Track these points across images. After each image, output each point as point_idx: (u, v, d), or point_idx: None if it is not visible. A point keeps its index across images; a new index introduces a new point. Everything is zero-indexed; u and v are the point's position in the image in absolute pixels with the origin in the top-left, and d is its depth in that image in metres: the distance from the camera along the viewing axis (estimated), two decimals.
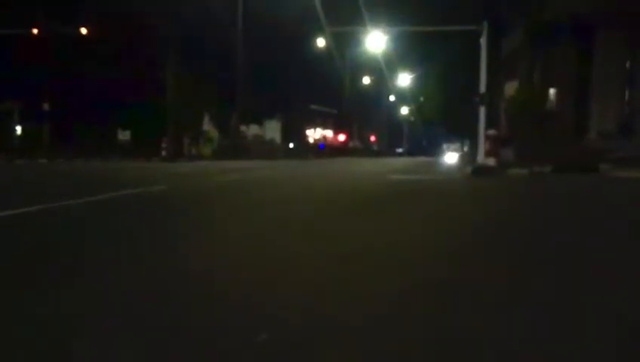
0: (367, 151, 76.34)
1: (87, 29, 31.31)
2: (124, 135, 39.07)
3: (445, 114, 34.87)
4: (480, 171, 19.69)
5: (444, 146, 39.85)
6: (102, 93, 35.78)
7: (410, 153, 78.32)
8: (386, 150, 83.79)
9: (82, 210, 7.46)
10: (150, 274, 3.57)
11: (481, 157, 22.30)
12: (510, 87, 29.81)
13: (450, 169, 25.15)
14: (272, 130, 57.24)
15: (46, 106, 33.71)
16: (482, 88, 22.67)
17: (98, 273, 3.62)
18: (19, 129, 38.18)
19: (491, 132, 23.79)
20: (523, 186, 13.71)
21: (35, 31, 31.61)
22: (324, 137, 73.86)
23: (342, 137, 78.04)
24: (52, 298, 2.99)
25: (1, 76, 33.35)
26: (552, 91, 27.06)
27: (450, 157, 35.46)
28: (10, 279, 3.48)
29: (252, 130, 52.62)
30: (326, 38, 28.60)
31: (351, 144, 77.40)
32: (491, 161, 21.60)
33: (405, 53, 37.44)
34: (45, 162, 27.52)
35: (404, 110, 75.55)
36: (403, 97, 64.30)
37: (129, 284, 3.30)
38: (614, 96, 25.37)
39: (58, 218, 6.59)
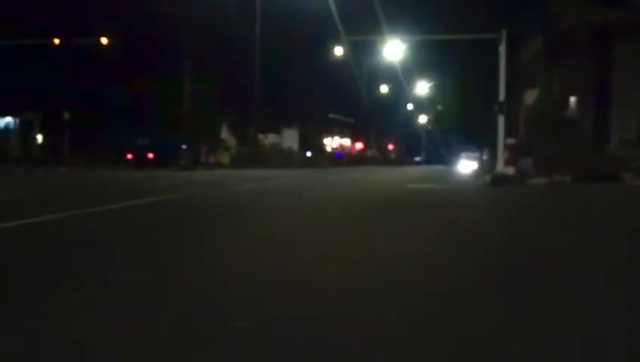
0: (384, 159, 76.16)
1: (106, 39, 31.61)
2: (143, 143, 39.30)
3: (464, 122, 34.67)
4: (499, 180, 19.50)
5: (463, 155, 39.48)
6: (120, 103, 36.10)
7: (427, 162, 77.95)
8: (403, 158, 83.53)
9: (107, 216, 7.68)
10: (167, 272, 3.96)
11: (500, 166, 22.11)
12: (529, 95, 29.57)
13: (466, 178, 24.93)
14: (290, 138, 57.33)
15: (66, 116, 34.05)
16: (501, 96, 22.49)
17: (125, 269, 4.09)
18: (39, 138, 38.63)
19: (511, 141, 23.58)
20: (543, 196, 13.50)
21: (56, 41, 31.95)
22: (342, 146, 73.80)
23: (359, 146, 77.95)
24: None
25: (22, 87, 33.83)
26: (572, 99, 26.77)
27: (465, 166, 34.81)
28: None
29: (270, 138, 52.75)
30: (344, 47, 28.55)
31: (369, 153, 77.28)
32: (510, 170, 21.40)
33: (423, 61, 37.33)
34: (66, 171, 27.75)
35: (422, 118, 75.25)
36: (421, 106, 64.05)
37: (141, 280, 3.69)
38: (635, 104, 25.01)
39: (88, 223, 6.86)
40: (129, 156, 36.95)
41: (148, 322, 2.77)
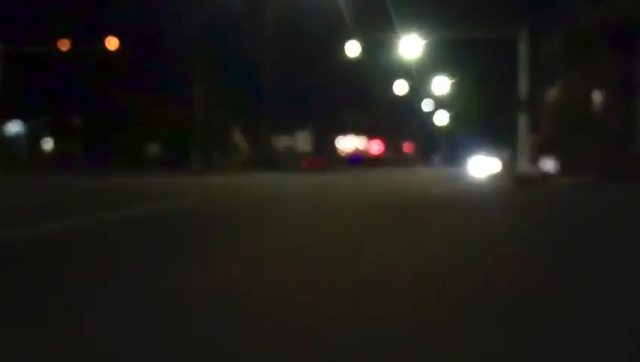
0: (401, 161, 75.38)
1: (114, 45, 31.19)
2: (153, 148, 38.95)
3: (483, 122, 33.95)
4: (523, 181, 18.70)
5: (481, 155, 38.29)
6: (131, 108, 35.76)
7: (447, 162, 76.94)
8: (421, 160, 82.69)
9: (131, 221, 7.43)
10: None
11: (523, 166, 21.29)
12: (551, 93, 28.74)
13: (487, 180, 23.91)
14: (304, 140, 56.71)
15: (76, 121, 33.85)
16: (522, 94, 21.69)
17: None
18: (49, 144, 38.46)
19: (533, 139, 22.84)
20: (572, 198, 12.75)
21: (64, 48, 31.56)
22: (357, 148, 73.11)
23: (375, 147, 77.21)
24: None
25: (32, 92, 33.69)
26: (595, 96, 25.94)
27: (484, 168, 32.52)
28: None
29: (283, 141, 52.17)
30: (359, 45, 27.80)
31: (385, 154, 76.53)
32: (534, 170, 20.66)
33: (442, 60, 36.56)
34: (77, 176, 27.45)
35: (441, 119, 74.36)
36: (439, 105, 63.23)
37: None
38: None
39: (97, 232, 6.42)
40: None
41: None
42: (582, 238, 6.08)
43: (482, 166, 33.02)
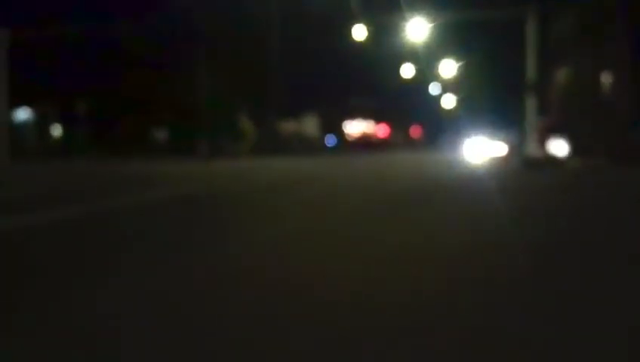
0: (409, 145, 75.13)
1: (120, 30, 31.10)
2: (160, 134, 38.84)
3: (491, 105, 33.69)
4: (531, 164, 18.53)
5: (480, 137, 37.63)
6: (137, 94, 35.59)
7: (454, 146, 76.53)
8: (429, 143, 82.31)
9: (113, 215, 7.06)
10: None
11: (531, 149, 21.09)
12: (561, 74, 28.42)
13: (487, 163, 23.58)
14: (311, 125, 56.49)
15: (82, 107, 33.73)
16: (530, 76, 21.44)
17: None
18: (57, 131, 38.47)
19: (542, 122, 22.63)
20: (583, 183, 12.57)
21: (72, 33, 31.45)
22: (365, 132, 72.78)
23: (382, 131, 76.87)
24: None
25: (39, 78, 33.61)
26: (605, 78, 25.61)
27: (482, 151, 31.04)
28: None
29: (290, 125, 51.97)
30: (364, 29, 27.52)
31: (392, 138, 76.23)
32: (543, 153, 20.47)
33: (449, 43, 36.15)
34: (83, 164, 27.44)
35: (448, 102, 73.85)
36: (446, 89, 62.74)
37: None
38: None
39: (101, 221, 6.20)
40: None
41: None
42: (595, 228, 5.95)
43: (481, 149, 32.08)
